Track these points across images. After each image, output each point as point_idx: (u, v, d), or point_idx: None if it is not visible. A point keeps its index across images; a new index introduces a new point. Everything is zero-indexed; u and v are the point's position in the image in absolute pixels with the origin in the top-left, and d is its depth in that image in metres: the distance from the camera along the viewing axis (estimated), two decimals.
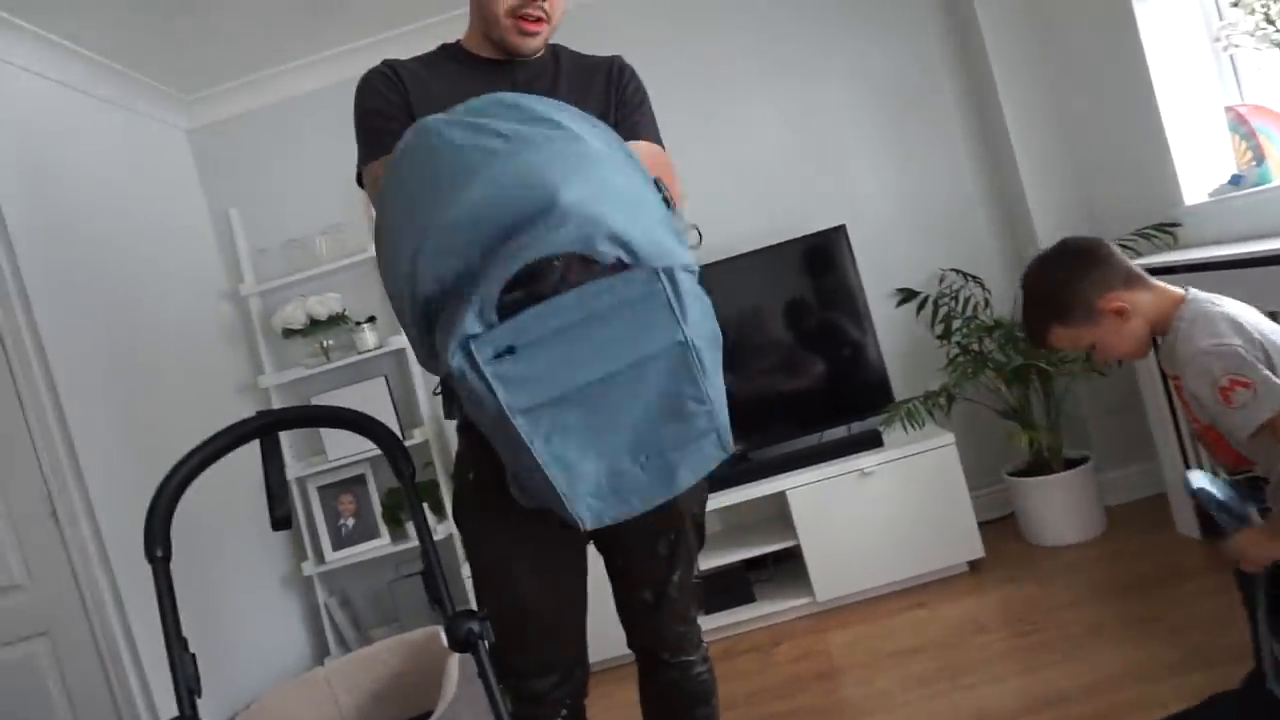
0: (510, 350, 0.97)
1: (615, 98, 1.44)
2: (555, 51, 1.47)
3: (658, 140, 1.48)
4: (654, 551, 1.44)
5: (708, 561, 2.81)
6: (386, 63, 1.40)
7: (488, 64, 1.41)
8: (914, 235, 3.25)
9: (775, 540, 2.94)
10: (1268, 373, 1.30)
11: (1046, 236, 3.03)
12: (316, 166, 3.25)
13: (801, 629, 2.83)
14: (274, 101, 3.32)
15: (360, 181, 1.40)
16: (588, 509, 1.05)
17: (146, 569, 1.18)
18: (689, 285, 1.03)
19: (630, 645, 1.55)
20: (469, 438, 1.44)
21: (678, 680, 1.51)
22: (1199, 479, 1.55)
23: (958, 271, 3.15)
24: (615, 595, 1.51)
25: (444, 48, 1.47)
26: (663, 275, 1.00)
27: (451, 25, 3.17)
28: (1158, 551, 2.67)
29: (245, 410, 3.23)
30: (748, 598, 2.94)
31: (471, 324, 0.96)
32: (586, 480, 1.03)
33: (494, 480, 1.41)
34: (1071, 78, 2.97)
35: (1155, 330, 1.48)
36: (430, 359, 1.09)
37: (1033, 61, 3.04)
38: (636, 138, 1.41)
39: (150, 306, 2.84)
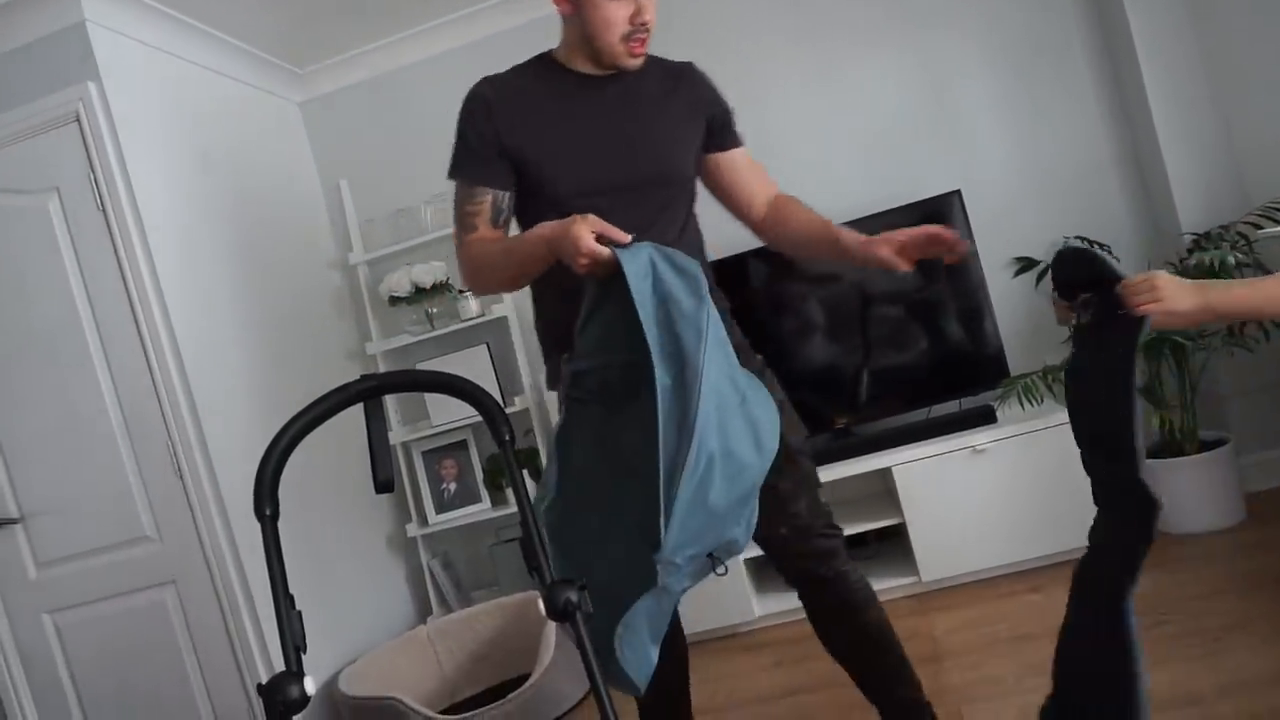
0: None
1: (708, 108, 1.60)
2: None
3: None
4: (776, 491, 1.45)
5: None
6: (484, 84, 1.53)
7: (584, 79, 1.52)
8: (1035, 200, 3.05)
9: (879, 517, 2.84)
10: None
11: (1186, 204, 2.80)
12: (423, 135, 3.28)
13: (905, 609, 2.73)
14: (382, 73, 3.36)
15: (451, 176, 1.56)
16: None
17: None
18: None
19: (788, 580, 1.59)
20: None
21: (845, 595, 1.57)
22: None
23: (1083, 239, 2.94)
24: (758, 541, 1.51)
25: (540, 61, 1.56)
26: None
27: None
28: None
29: (353, 376, 3.33)
30: None
31: None
32: None
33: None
34: (1221, 32, 2.71)
35: None
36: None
37: (1176, 11, 2.79)
38: (738, 146, 1.66)
39: (267, 276, 2.94)
